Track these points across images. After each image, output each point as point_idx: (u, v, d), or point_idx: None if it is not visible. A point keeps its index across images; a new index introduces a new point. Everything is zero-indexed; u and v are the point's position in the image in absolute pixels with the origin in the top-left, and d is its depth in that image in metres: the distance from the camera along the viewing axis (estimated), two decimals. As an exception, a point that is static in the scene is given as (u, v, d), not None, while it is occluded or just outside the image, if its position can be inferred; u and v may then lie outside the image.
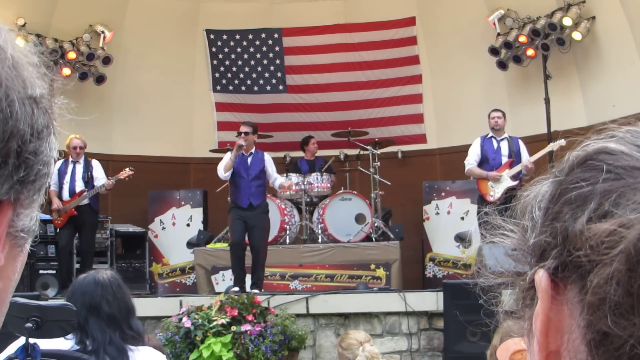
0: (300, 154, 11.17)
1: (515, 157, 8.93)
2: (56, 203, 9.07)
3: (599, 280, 0.53)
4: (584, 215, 0.55)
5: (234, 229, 8.63)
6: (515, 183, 8.72)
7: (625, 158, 0.56)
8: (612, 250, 0.53)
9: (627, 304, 0.52)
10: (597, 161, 0.58)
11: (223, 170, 8.60)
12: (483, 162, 8.99)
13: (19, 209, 0.64)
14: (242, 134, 8.54)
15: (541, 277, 0.58)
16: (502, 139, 9.06)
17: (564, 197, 0.58)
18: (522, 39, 10.46)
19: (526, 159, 8.87)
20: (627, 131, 0.60)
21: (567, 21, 10.06)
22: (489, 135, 9.12)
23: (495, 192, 8.76)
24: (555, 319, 0.57)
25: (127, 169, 9.25)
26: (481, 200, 8.93)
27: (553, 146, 8.69)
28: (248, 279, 8.64)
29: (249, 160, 8.63)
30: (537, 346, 0.59)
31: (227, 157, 8.66)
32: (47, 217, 9.45)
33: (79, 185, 9.22)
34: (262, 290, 8.41)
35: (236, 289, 8.28)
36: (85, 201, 9.18)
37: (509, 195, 8.52)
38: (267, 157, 8.84)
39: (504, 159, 8.95)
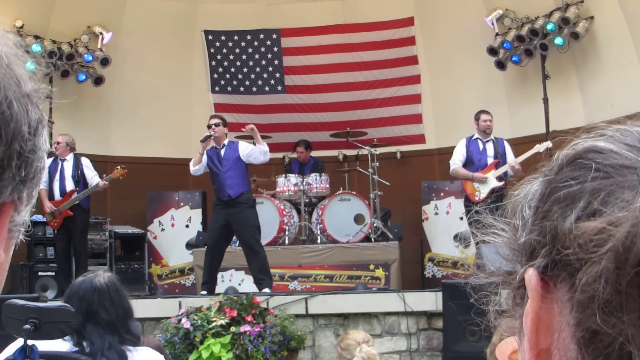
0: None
1: (500, 158, 8.92)
2: (48, 205, 9.03)
3: (588, 278, 0.53)
4: (573, 213, 0.56)
5: (210, 232, 8.60)
6: (501, 184, 8.71)
7: (614, 156, 0.57)
8: (600, 248, 0.53)
9: (615, 302, 0.52)
10: (586, 160, 0.58)
11: (192, 165, 8.56)
12: (468, 163, 8.97)
13: (20, 206, 0.65)
14: (212, 126, 8.42)
15: (531, 275, 0.58)
16: (487, 141, 9.04)
17: (553, 196, 0.58)
18: (521, 38, 10.47)
19: (512, 159, 8.86)
20: (616, 130, 0.60)
21: (566, 21, 10.07)
22: (474, 137, 9.09)
23: (481, 192, 8.75)
24: (545, 317, 0.58)
25: (118, 167, 9.23)
26: (467, 201, 8.93)
27: (539, 147, 8.67)
28: (220, 283, 8.70)
29: (222, 152, 8.48)
30: (527, 344, 0.59)
31: None
32: (44, 218, 9.43)
33: (69, 185, 9.18)
34: (271, 291, 8.21)
35: (204, 292, 8.23)
36: (76, 201, 9.16)
37: (496, 195, 8.50)
38: (242, 143, 8.58)
39: (490, 160, 8.93)
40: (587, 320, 0.53)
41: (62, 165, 9.19)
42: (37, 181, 0.66)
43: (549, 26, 10.17)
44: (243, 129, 8.71)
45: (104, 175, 9.22)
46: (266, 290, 8.08)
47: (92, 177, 9.24)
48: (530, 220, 0.60)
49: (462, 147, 9.05)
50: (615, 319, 0.52)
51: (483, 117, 9.05)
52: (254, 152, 8.47)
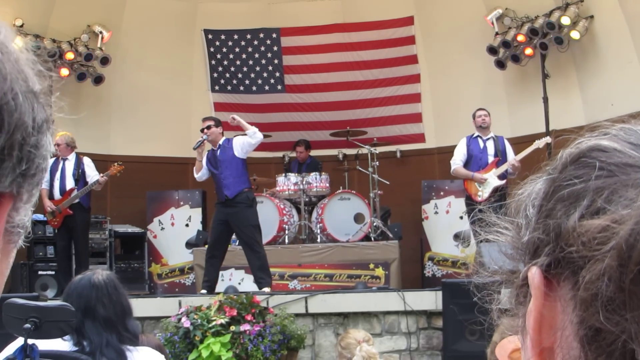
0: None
1: (501, 156, 8.93)
2: (48, 204, 9.03)
3: (591, 276, 0.53)
4: (577, 212, 0.56)
5: (211, 231, 8.64)
6: (502, 182, 8.72)
7: (618, 155, 0.57)
8: (604, 246, 0.53)
9: (619, 300, 0.52)
10: (590, 158, 0.58)
11: (195, 173, 8.58)
12: (469, 162, 8.99)
13: (19, 203, 0.65)
14: (205, 129, 8.40)
15: (534, 274, 0.58)
16: (487, 138, 9.06)
17: (557, 195, 0.58)
18: (521, 38, 10.48)
19: (512, 157, 8.87)
20: (620, 129, 0.60)
21: (566, 20, 10.08)
22: (474, 135, 9.12)
23: (483, 192, 8.76)
24: (548, 315, 0.58)
25: (115, 164, 9.24)
26: (469, 199, 8.94)
27: (539, 144, 8.71)
28: (220, 282, 8.70)
29: (218, 152, 8.46)
30: (530, 343, 0.59)
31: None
32: (44, 218, 9.43)
33: (69, 183, 9.18)
34: (271, 290, 8.21)
35: (203, 291, 8.23)
36: (76, 200, 9.16)
37: (498, 193, 8.51)
38: (236, 139, 8.51)
39: (490, 159, 8.94)
40: (590, 318, 0.53)
41: (63, 165, 9.20)
42: (37, 180, 0.65)
43: (549, 25, 10.17)
44: (230, 122, 8.68)
45: (102, 174, 9.23)
46: (266, 289, 8.08)
47: (93, 176, 9.24)
48: (534, 218, 0.60)
49: (462, 146, 9.07)
50: (618, 317, 0.52)
51: (478, 112, 9.13)
52: (245, 141, 8.42)
